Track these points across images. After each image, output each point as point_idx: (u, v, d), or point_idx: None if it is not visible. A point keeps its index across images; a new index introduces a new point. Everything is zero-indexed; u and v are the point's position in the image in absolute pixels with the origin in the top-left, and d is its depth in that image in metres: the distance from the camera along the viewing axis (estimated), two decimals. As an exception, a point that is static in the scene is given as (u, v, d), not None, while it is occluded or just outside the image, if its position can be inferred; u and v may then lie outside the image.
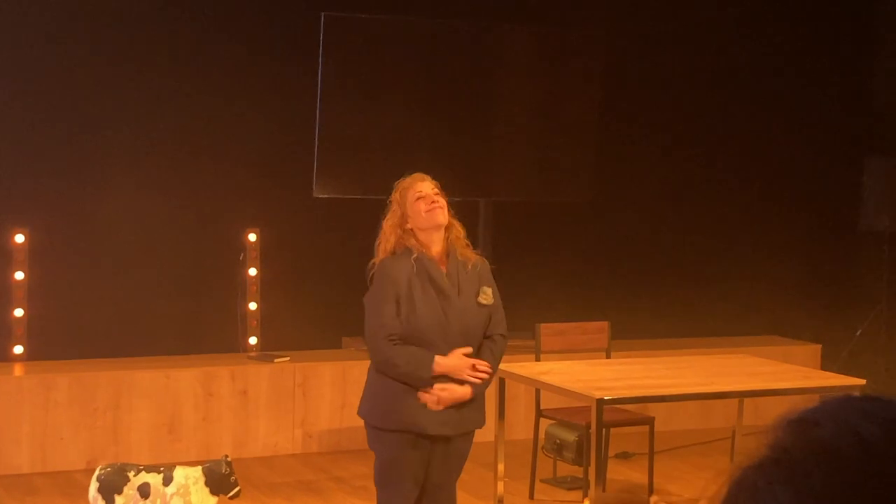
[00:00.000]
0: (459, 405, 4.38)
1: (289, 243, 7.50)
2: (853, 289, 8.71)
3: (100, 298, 7.15)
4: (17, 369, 6.81)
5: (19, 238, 6.95)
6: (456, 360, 4.31)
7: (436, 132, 7.66)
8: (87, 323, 7.10)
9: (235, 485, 5.20)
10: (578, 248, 8.17)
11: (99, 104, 7.15)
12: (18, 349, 6.95)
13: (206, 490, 5.13)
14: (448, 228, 4.40)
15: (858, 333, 8.37)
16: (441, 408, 4.32)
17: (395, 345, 4.27)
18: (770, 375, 5.85)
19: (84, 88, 7.13)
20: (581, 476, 6.01)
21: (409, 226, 4.36)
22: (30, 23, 7.00)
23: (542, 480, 6.35)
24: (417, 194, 4.35)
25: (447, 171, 7.77)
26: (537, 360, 6.15)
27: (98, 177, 7.13)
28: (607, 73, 7.96)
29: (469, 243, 4.48)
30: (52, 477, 6.48)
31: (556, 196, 8.07)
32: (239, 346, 7.36)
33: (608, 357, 6.34)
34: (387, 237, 4.37)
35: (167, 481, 5.16)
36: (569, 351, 6.26)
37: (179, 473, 5.17)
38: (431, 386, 4.31)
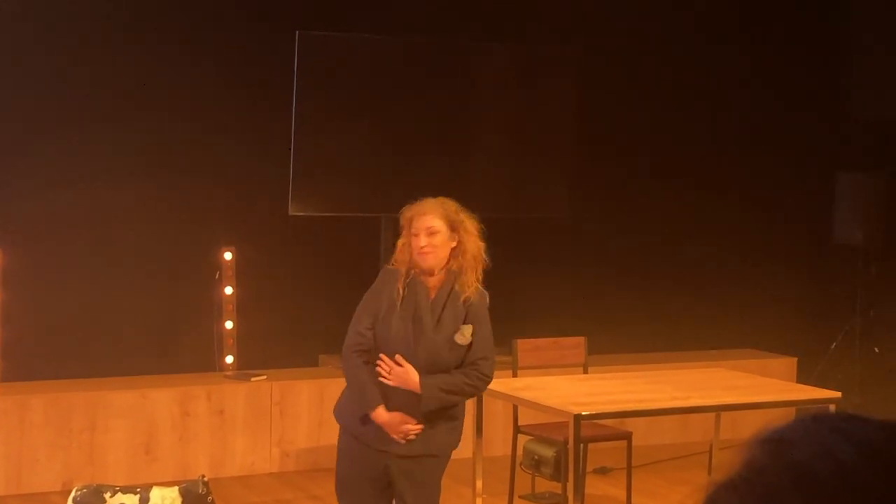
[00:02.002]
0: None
1: (265, 261, 7.48)
2: (828, 302, 8.75)
3: (75, 319, 7.11)
4: (-8, 391, 6.77)
5: (-7, 258, 6.91)
6: (393, 420, 4.27)
7: (411, 150, 7.66)
8: (63, 343, 7.06)
9: (213, 505, 5.18)
10: (555, 264, 8.19)
11: (73, 124, 7.12)
12: (-7, 370, 6.90)
13: (184, 510, 5.11)
14: (453, 260, 4.31)
15: (833, 346, 8.41)
16: (391, 382, 4.26)
17: (359, 361, 4.32)
18: (747, 389, 5.88)
19: (58, 109, 7.10)
20: (559, 492, 6.01)
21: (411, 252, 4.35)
22: (6, 41, 6.97)
23: (520, 496, 6.34)
24: (414, 230, 4.31)
25: (423, 188, 7.79)
26: (515, 375, 6.15)
27: (72, 197, 7.10)
28: (583, 89, 7.99)
29: (478, 277, 4.35)
30: (27, 499, 6.42)
31: (533, 212, 8.09)
32: (215, 365, 7.33)
33: (585, 372, 6.35)
34: (400, 252, 4.38)
35: (143, 502, 5.13)
36: (546, 366, 6.26)
37: (156, 494, 5.14)
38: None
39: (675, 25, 8.49)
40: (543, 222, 8.18)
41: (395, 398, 4.32)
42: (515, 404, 5.90)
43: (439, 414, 4.36)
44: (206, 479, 5.27)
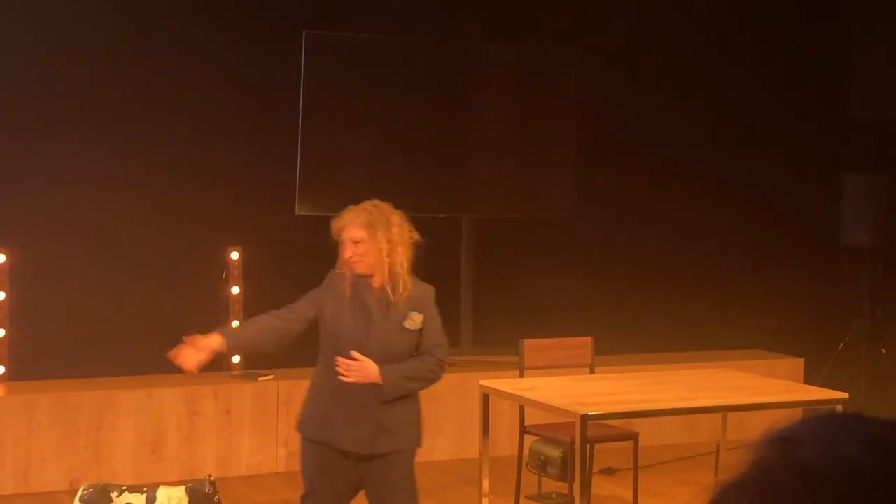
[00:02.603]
0: (376, 424, 4.43)
1: (271, 261, 7.49)
2: (835, 303, 8.74)
3: (82, 318, 7.12)
4: (0, 390, 6.79)
5: (0, 258, 6.92)
6: (195, 344, 4.51)
7: (417, 149, 7.67)
8: (70, 343, 7.07)
9: (219, 504, 5.18)
10: (561, 263, 8.18)
11: (79, 125, 7.13)
12: (0, 370, 6.92)
13: (190, 510, 5.11)
14: (390, 266, 4.46)
15: (840, 347, 8.40)
16: (351, 378, 4.39)
17: (267, 315, 4.62)
18: (754, 390, 5.87)
19: (63, 110, 7.11)
20: (566, 492, 6.01)
21: None
22: (11, 41, 6.99)
23: (526, 497, 6.34)
24: (342, 241, 4.50)
25: (429, 187, 7.81)
26: (521, 376, 6.15)
27: (79, 196, 7.11)
28: (586, 88, 7.99)
29: (408, 279, 4.51)
30: (34, 498, 6.44)
31: (538, 212, 8.09)
32: (222, 365, 7.34)
33: (592, 372, 6.34)
34: (342, 260, 4.55)
35: (150, 501, 5.14)
36: (553, 367, 6.26)
37: (163, 494, 5.15)
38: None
39: (678, 26, 8.49)
40: (548, 222, 8.18)
41: (357, 393, 4.41)
42: (522, 404, 5.90)
43: (399, 410, 4.48)
44: (212, 478, 5.28)
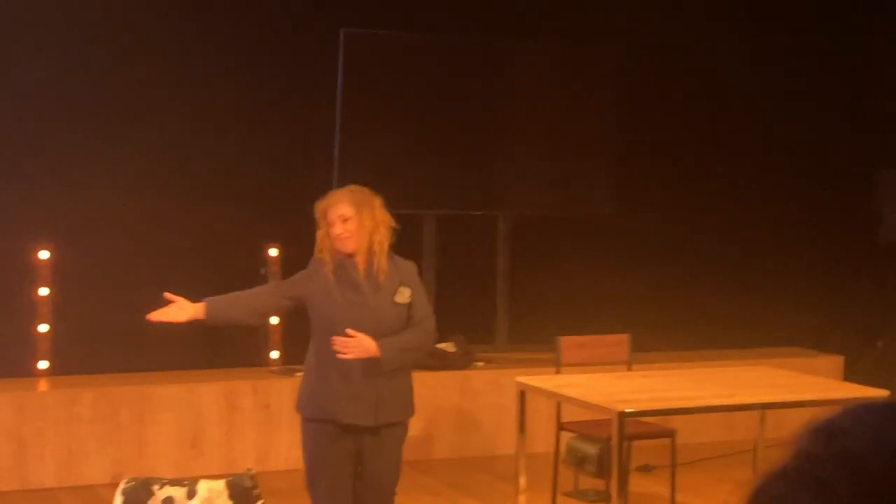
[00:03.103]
0: (376, 397, 4.59)
1: (309, 258, 7.51)
2: (874, 300, 8.68)
3: (123, 313, 7.18)
4: (42, 384, 6.87)
5: (43, 254, 7.01)
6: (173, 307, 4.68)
7: (454, 147, 7.69)
8: (111, 338, 7.14)
9: (259, 498, 5.23)
10: (598, 261, 8.17)
11: (122, 124, 7.21)
12: (43, 364, 7.00)
13: (230, 503, 5.16)
14: (370, 245, 4.61)
15: (880, 345, 8.34)
16: (350, 356, 4.51)
17: (261, 287, 5.10)
18: (792, 387, 5.85)
19: (107, 107, 7.18)
20: (603, 489, 6.01)
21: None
22: (56, 39, 7.07)
23: (563, 494, 6.35)
24: (329, 221, 4.64)
25: (466, 185, 7.82)
26: (558, 372, 6.16)
27: (121, 193, 7.19)
28: (626, 85, 7.98)
29: (390, 247, 4.67)
30: (76, 491, 6.51)
31: (576, 209, 8.09)
32: (261, 360, 7.40)
33: (629, 369, 6.34)
34: (319, 242, 4.71)
35: (191, 495, 5.19)
36: (589, 364, 6.26)
37: (203, 487, 5.20)
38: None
39: (714, 24, 8.45)
40: (587, 219, 8.17)
41: (355, 369, 4.56)
42: (558, 401, 5.91)
43: (396, 382, 4.64)
44: (252, 472, 5.32)
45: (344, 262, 4.63)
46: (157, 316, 4.67)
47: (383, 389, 4.61)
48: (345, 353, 4.52)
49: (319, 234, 4.71)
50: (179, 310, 4.65)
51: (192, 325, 7.26)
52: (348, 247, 4.61)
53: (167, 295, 4.65)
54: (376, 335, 4.54)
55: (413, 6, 7.77)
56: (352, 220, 4.60)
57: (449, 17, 7.82)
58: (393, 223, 4.72)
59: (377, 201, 4.70)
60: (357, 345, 4.51)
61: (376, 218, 4.64)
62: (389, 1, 7.76)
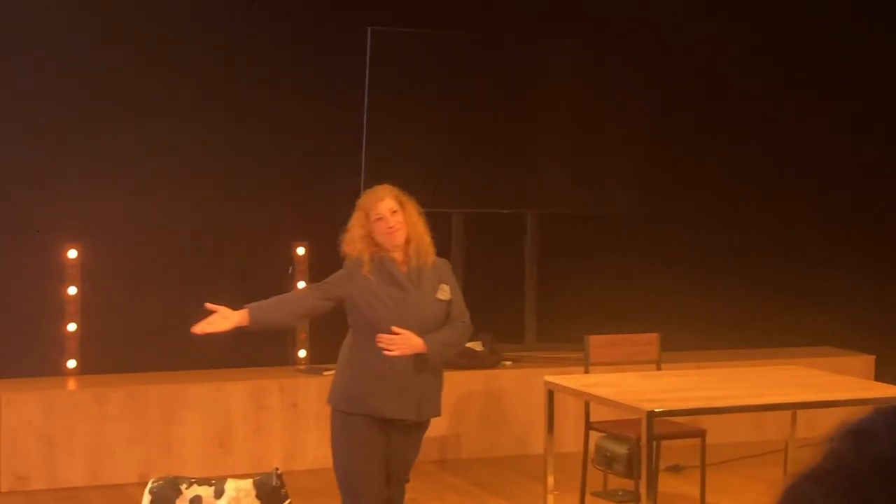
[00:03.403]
0: (420, 393, 4.67)
1: (336, 257, 7.49)
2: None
3: (151, 312, 7.21)
4: (71, 383, 6.89)
5: (72, 253, 7.03)
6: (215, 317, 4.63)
7: (482, 145, 7.67)
8: (139, 337, 7.16)
9: (286, 497, 5.22)
10: (627, 260, 8.13)
11: (149, 120, 7.22)
12: (72, 364, 7.03)
13: (258, 503, 5.16)
14: (409, 240, 4.71)
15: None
16: (396, 352, 4.58)
17: (299, 291, 4.98)
18: (823, 387, 5.79)
19: (135, 107, 7.20)
20: (632, 489, 5.98)
21: (371, 237, 4.73)
22: (85, 39, 7.09)
23: (592, 493, 6.32)
24: (377, 216, 4.68)
25: (494, 183, 7.80)
26: (586, 372, 6.13)
27: (149, 191, 7.20)
28: (655, 82, 7.93)
29: (432, 248, 4.75)
30: (105, 490, 6.53)
31: (605, 207, 8.05)
32: (288, 359, 7.39)
33: (658, 369, 6.30)
34: (353, 241, 4.75)
35: (218, 494, 5.19)
36: (618, 363, 6.23)
37: (230, 486, 5.20)
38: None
39: (749, 19, 8.39)
40: (616, 218, 8.13)
41: (398, 365, 4.62)
42: (587, 401, 5.88)
43: (435, 380, 4.74)
44: (279, 471, 5.32)
45: (383, 260, 4.69)
46: (202, 328, 4.65)
47: (426, 385, 4.71)
48: (391, 350, 4.59)
49: (354, 234, 4.74)
50: (223, 319, 4.65)
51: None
52: (399, 238, 4.67)
53: (208, 305, 4.65)
54: (420, 332, 4.63)
55: (440, 4, 7.75)
56: (399, 213, 4.69)
57: (476, 14, 7.79)
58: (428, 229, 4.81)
59: (413, 202, 4.79)
60: (403, 341, 4.60)
61: (415, 220, 4.74)
62: (416, -1, 7.74)
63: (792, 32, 8.52)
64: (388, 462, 4.73)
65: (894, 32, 8.76)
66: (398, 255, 4.70)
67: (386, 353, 4.59)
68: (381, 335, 4.60)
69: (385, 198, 4.71)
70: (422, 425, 4.80)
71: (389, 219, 4.66)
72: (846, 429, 0.87)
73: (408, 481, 4.89)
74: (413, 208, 4.73)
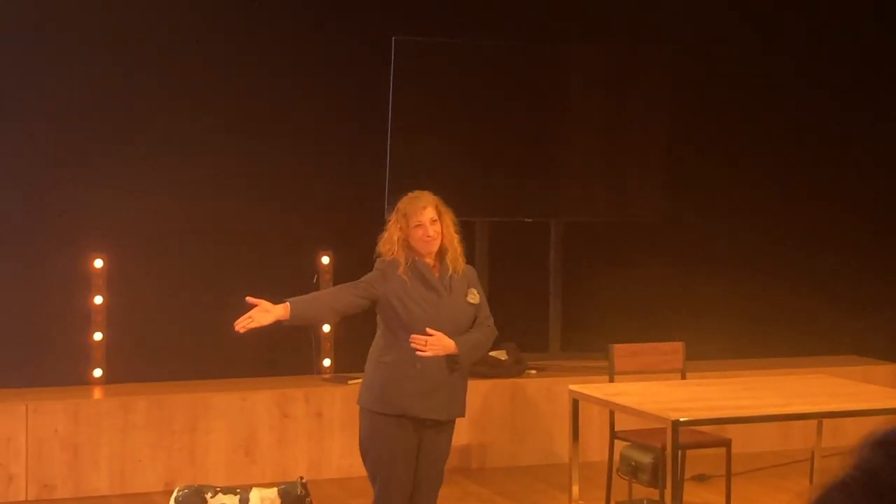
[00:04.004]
0: (449, 393, 4.77)
1: (361, 265, 7.50)
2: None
3: (177, 321, 7.24)
4: (97, 392, 6.92)
5: (98, 263, 7.07)
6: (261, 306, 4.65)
7: (506, 153, 7.67)
8: (165, 346, 7.19)
9: (311, 506, 5.22)
10: (651, 267, 8.11)
11: (174, 129, 7.26)
12: (98, 372, 7.06)
13: (282, 512, 5.16)
14: (443, 249, 4.81)
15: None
16: (429, 353, 4.67)
17: (334, 288, 5.04)
18: (850, 396, 5.76)
19: (159, 116, 7.24)
20: (657, 498, 5.95)
21: (407, 241, 4.81)
22: (109, 47, 7.13)
23: (617, 502, 6.30)
24: (416, 222, 4.78)
25: (517, 192, 7.80)
26: (611, 381, 6.11)
27: (174, 201, 7.24)
28: (678, 90, 7.92)
29: (463, 257, 4.88)
30: (130, 499, 6.56)
31: (628, 216, 8.03)
32: (313, 368, 7.41)
33: (683, 378, 6.28)
34: (390, 242, 4.82)
35: (243, 503, 5.20)
36: (643, 372, 6.21)
37: (255, 495, 5.21)
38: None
39: (770, 25, 8.37)
40: (640, 226, 8.11)
41: (430, 365, 4.70)
42: (612, 410, 5.86)
43: (462, 381, 4.85)
44: (304, 480, 5.32)
45: (416, 262, 4.79)
46: (245, 324, 4.67)
47: (454, 386, 4.81)
48: (424, 351, 4.69)
49: (391, 236, 4.83)
50: (264, 312, 4.67)
51: (242, 333, 7.31)
52: (434, 247, 4.79)
53: (249, 299, 4.67)
54: (452, 334, 4.74)
55: (464, 13, 7.76)
56: (437, 223, 4.80)
57: (499, 23, 7.80)
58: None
59: (448, 210, 4.92)
60: (437, 342, 4.70)
61: (450, 227, 4.86)
62: (440, 8, 7.76)
63: (813, 37, 8.49)
64: (418, 462, 4.80)
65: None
66: (430, 260, 4.82)
67: (419, 353, 4.69)
68: (414, 336, 4.70)
69: (427, 206, 4.82)
70: (450, 425, 4.90)
71: (429, 228, 4.77)
72: (875, 439, 0.87)
73: (441, 483, 4.95)
74: (450, 219, 4.85)
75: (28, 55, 7.01)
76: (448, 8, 7.77)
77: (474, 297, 4.85)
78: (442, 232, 4.79)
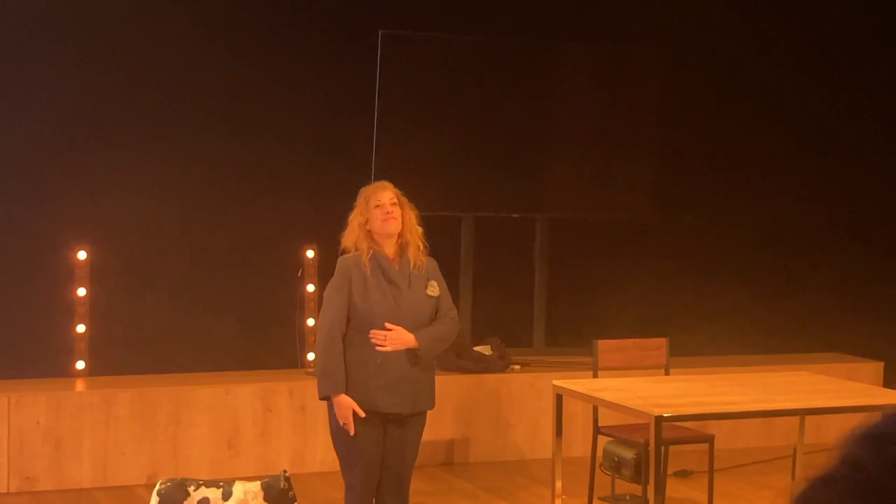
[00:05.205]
0: (412, 386, 4.80)
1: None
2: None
3: (161, 314, 7.23)
4: (80, 385, 6.90)
5: (81, 255, 7.05)
6: (346, 410, 4.73)
7: (493, 149, 7.67)
8: (149, 339, 7.18)
9: (294, 500, 5.22)
10: (637, 265, 8.13)
11: (159, 125, 7.24)
12: (80, 365, 7.04)
13: (265, 505, 5.16)
14: (402, 234, 4.86)
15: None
16: (388, 348, 4.73)
17: (339, 344, 4.78)
18: (832, 393, 5.78)
19: (143, 110, 7.22)
20: (640, 494, 5.97)
21: (368, 227, 4.86)
22: (90, 43, 7.11)
23: (600, 498, 6.31)
24: (376, 202, 4.86)
25: (503, 187, 7.80)
26: (595, 376, 6.12)
27: (158, 193, 7.22)
28: (667, 88, 7.92)
29: (424, 247, 4.91)
30: (112, 492, 6.54)
31: (615, 212, 8.04)
32: (297, 362, 7.40)
33: (667, 374, 6.29)
34: (352, 232, 4.88)
35: (226, 496, 5.19)
36: (627, 368, 6.22)
37: (238, 488, 5.20)
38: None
39: (759, 25, 8.38)
40: (625, 223, 8.12)
41: (392, 360, 4.75)
42: (595, 405, 5.87)
43: (427, 374, 4.88)
44: (287, 474, 5.32)
45: (377, 255, 4.83)
46: (393, 341, 4.80)
47: (418, 379, 4.83)
48: (384, 346, 4.72)
49: (353, 224, 4.89)
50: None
51: (226, 327, 7.30)
52: (393, 228, 4.83)
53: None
54: (412, 328, 4.78)
55: (451, 8, 7.75)
56: (397, 206, 4.87)
57: (487, 18, 7.80)
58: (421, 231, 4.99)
59: (409, 203, 4.99)
60: (396, 337, 4.75)
61: (410, 219, 4.91)
62: (427, 3, 7.75)
63: (802, 39, 8.51)
64: (385, 457, 4.84)
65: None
66: (391, 251, 4.85)
67: (378, 348, 4.73)
68: (373, 331, 4.74)
69: (385, 189, 4.92)
70: (418, 418, 4.91)
71: (388, 206, 4.83)
72: (861, 433, 0.87)
73: (410, 477, 4.94)
74: (409, 209, 4.91)
75: (9, 52, 6.98)
76: (435, 2, 7.76)
77: (434, 289, 4.88)
78: (403, 222, 4.84)
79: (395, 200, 4.87)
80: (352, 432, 4.73)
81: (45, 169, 7.06)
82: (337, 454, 4.93)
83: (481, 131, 7.63)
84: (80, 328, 7.04)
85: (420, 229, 4.92)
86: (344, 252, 4.91)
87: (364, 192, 4.96)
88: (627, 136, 7.94)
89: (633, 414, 5.27)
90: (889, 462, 0.83)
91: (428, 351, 4.84)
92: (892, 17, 8.72)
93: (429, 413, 5.00)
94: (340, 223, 7.51)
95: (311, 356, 7.41)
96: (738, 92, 8.42)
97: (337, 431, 4.85)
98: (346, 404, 4.74)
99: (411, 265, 4.83)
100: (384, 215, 4.83)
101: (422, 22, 7.56)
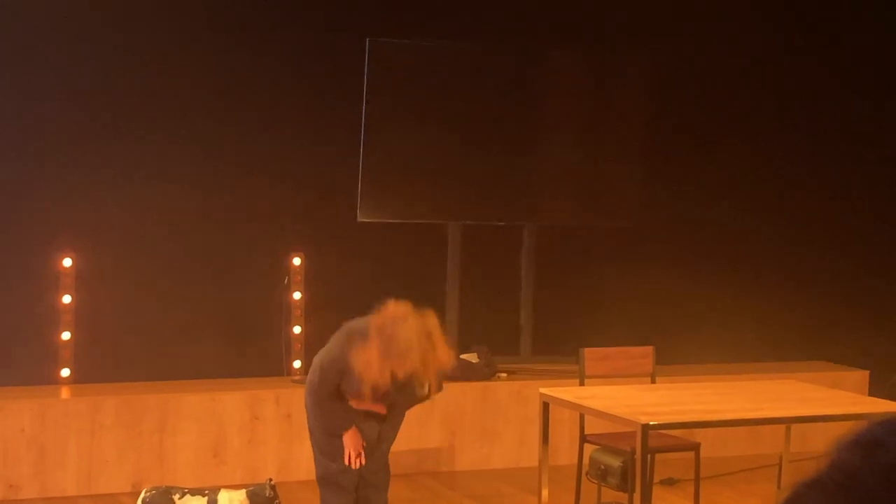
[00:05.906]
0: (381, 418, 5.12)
1: (333, 267, 7.52)
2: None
3: (146, 322, 7.20)
4: (64, 392, 6.87)
5: (67, 262, 7.02)
6: (353, 440, 5.04)
7: (480, 156, 7.67)
8: (134, 346, 7.15)
9: (279, 508, 5.21)
10: (623, 272, 8.13)
11: (144, 129, 7.22)
12: (65, 372, 7.01)
13: (250, 513, 5.14)
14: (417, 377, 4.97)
15: (895, 380, 8.26)
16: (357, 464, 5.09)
17: (334, 402, 5.06)
18: (818, 401, 5.79)
19: (130, 115, 7.20)
20: (626, 502, 5.96)
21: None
22: (80, 48, 7.09)
23: (586, 506, 6.30)
24: (362, 393, 4.92)
25: (491, 195, 7.80)
26: (581, 384, 6.12)
27: (144, 201, 7.20)
28: (654, 96, 7.94)
29: (438, 380, 5.07)
30: (97, 500, 6.51)
31: (602, 220, 8.05)
32: (283, 370, 7.38)
33: (653, 382, 6.29)
34: (370, 369, 4.83)
35: (211, 504, 5.17)
36: (613, 376, 6.22)
37: (224, 497, 5.19)
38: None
39: (748, 32, 8.40)
40: (612, 231, 8.13)
41: (365, 431, 5.09)
42: (582, 413, 5.87)
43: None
44: (273, 482, 5.30)
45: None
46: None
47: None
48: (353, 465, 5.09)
49: (372, 359, 4.84)
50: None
51: (213, 333, 7.28)
52: (366, 408, 5.08)
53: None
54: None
55: (439, 15, 7.76)
56: (390, 393, 5.01)
57: (475, 26, 7.80)
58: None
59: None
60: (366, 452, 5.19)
61: (443, 354, 5.00)
62: (415, 10, 7.75)
63: (792, 43, 8.53)
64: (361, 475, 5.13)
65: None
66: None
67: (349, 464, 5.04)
68: (347, 456, 5.01)
69: (409, 375, 4.88)
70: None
71: (369, 402, 4.98)
72: (851, 439, 0.87)
73: (389, 471, 5.23)
74: (440, 353, 4.90)
75: (-2, 52, 6.96)
76: (423, 10, 7.77)
77: (422, 387, 5.00)
78: (425, 366, 4.85)
79: (389, 389, 4.90)
80: (364, 462, 5.04)
81: (30, 176, 7.03)
82: (313, 445, 5.13)
83: (468, 139, 7.63)
84: (66, 335, 7.01)
85: (447, 369, 5.04)
86: (348, 367, 4.92)
87: (392, 350, 4.84)
88: (613, 144, 7.95)
89: (619, 422, 5.27)
90: (880, 469, 0.83)
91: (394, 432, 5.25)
92: (883, 21, 8.75)
93: (415, 422, 5.05)
94: (328, 231, 7.54)
95: (297, 364, 7.40)
96: (725, 98, 8.43)
97: (321, 428, 5.09)
98: (358, 436, 5.06)
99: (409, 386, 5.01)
100: (373, 399, 4.99)
101: (409, 29, 7.56)
